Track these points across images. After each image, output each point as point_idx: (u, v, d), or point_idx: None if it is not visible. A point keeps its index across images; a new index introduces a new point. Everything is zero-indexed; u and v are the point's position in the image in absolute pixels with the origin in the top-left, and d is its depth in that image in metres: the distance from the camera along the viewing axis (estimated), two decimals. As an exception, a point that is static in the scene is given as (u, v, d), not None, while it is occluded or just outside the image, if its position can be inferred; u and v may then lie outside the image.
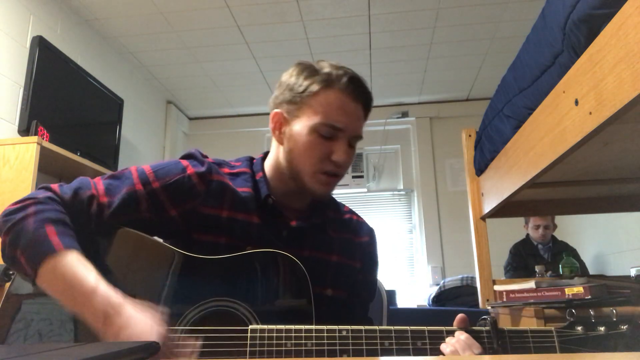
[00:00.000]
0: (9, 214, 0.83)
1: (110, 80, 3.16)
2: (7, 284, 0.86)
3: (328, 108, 0.92)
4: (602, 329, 0.77)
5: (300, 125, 0.94)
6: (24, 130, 2.27)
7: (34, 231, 0.79)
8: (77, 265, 0.77)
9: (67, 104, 2.62)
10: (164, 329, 0.73)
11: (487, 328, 0.79)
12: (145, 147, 3.74)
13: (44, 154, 2.16)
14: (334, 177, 0.96)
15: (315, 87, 0.94)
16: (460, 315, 0.81)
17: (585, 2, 0.91)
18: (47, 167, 2.39)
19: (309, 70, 0.96)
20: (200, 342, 0.78)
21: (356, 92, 0.94)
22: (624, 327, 0.76)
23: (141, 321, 0.72)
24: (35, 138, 2.12)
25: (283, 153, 0.98)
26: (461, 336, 0.78)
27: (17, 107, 2.40)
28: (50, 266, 0.76)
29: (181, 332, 0.80)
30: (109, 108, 3.03)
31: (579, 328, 0.78)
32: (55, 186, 0.89)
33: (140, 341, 0.66)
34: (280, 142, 0.99)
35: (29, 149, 2.09)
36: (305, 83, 0.95)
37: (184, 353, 0.75)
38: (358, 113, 0.95)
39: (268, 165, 1.02)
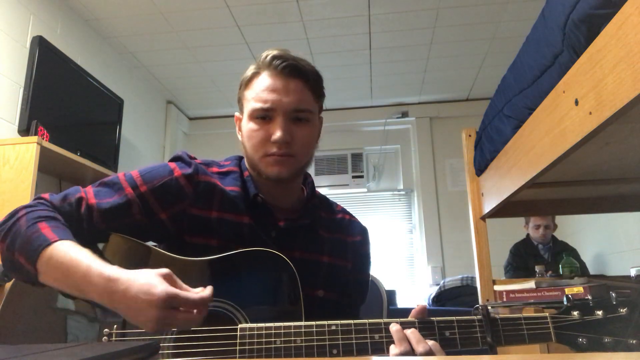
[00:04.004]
0: (1, 224, 0.84)
1: (110, 80, 3.16)
2: (7, 284, 0.86)
3: (256, 92, 0.94)
4: (600, 312, 0.74)
5: (244, 117, 0.98)
6: (24, 130, 2.27)
7: (26, 229, 0.80)
8: (70, 250, 0.77)
9: (67, 104, 2.62)
10: (165, 271, 0.73)
11: (479, 317, 0.78)
12: (145, 147, 3.74)
13: (44, 154, 2.16)
14: (283, 156, 0.93)
15: (247, 77, 0.97)
16: (419, 306, 0.80)
17: (585, 2, 0.91)
18: (47, 167, 2.39)
19: (252, 64, 1.00)
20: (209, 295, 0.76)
21: (280, 67, 0.94)
22: (623, 310, 0.73)
23: (142, 275, 0.72)
24: (35, 138, 2.12)
25: (243, 150, 1.01)
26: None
27: (17, 107, 2.40)
28: (46, 257, 0.77)
29: (171, 334, 0.80)
30: (109, 108, 3.03)
31: (576, 313, 0.75)
32: (45, 195, 0.90)
33: (140, 341, 0.66)
34: (243, 141, 1.01)
35: (29, 149, 2.09)
36: (243, 77, 0.99)
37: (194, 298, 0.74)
38: (290, 87, 0.93)
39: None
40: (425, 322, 0.78)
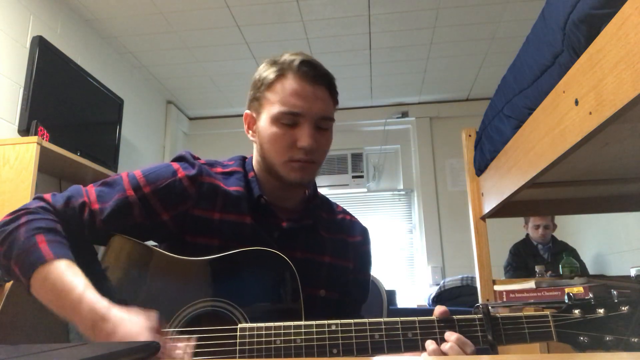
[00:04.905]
0: (2, 225, 0.83)
1: (110, 80, 3.16)
2: (8, 284, 0.86)
3: (283, 95, 0.92)
4: (602, 311, 0.74)
5: (264, 119, 0.95)
6: (24, 130, 2.27)
7: (24, 241, 0.79)
8: (65, 273, 0.76)
9: (67, 104, 2.62)
10: (155, 325, 0.72)
11: (480, 316, 0.78)
12: (145, 147, 3.74)
13: (44, 154, 2.16)
14: (307, 163, 0.94)
15: (270, 78, 0.94)
16: (441, 309, 0.79)
17: (585, 2, 0.91)
18: (47, 167, 2.39)
19: (268, 64, 0.97)
20: (192, 342, 0.78)
21: (310, 73, 0.93)
22: (625, 308, 0.72)
23: (130, 323, 0.71)
24: (35, 138, 2.12)
25: (258, 150, 0.99)
26: (452, 337, 0.76)
27: (17, 107, 2.40)
28: (41, 276, 0.76)
29: (171, 334, 0.80)
30: (109, 108, 3.03)
31: (577, 311, 0.75)
32: (47, 196, 0.89)
33: (141, 341, 0.66)
34: (255, 140, 1.00)
35: (29, 149, 2.09)
36: (263, 76, 0.96)
37: (178, 347, 0.75)
38: (318, 94, 0.93)
39: (254, 165, 1.02)
40: (425, 322, 0.78)
